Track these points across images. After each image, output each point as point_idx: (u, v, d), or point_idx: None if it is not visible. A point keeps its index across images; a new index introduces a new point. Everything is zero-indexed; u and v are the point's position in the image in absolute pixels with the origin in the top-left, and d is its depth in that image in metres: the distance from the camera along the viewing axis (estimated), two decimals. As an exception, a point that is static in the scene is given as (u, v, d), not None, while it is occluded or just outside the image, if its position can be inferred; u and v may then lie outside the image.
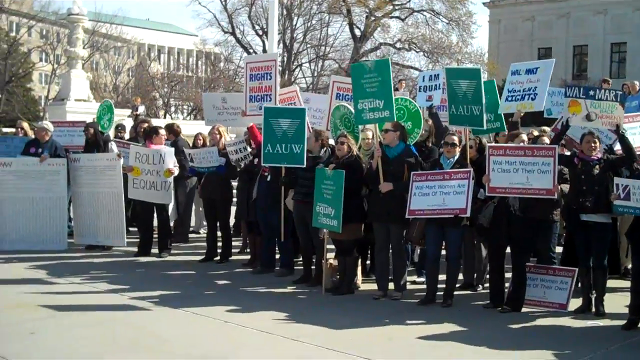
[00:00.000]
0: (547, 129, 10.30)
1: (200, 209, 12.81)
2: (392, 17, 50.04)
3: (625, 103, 8.60)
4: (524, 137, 8.68)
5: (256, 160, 10.31)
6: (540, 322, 7.95)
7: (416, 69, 46.05)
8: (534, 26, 52.52)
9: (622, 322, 7.69)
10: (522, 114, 9.44)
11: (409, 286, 9.31)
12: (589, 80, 41.78)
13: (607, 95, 8.44)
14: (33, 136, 12.79)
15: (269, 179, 10.04)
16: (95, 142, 12.28)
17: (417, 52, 48.27)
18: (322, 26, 50.22)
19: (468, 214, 8.29)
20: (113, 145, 12.18)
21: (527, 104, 8.96)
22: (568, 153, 9.05)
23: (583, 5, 49.84)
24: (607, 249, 8.20)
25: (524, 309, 8.31)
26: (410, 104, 10.00)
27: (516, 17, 53.01)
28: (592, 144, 8.20)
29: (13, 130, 17.02)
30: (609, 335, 7.39)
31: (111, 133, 13.59)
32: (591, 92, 8.53)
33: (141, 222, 11.68)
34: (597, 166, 8.14)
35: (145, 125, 12.62)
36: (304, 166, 9.55)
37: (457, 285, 8.96)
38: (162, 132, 11.60)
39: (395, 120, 9.10)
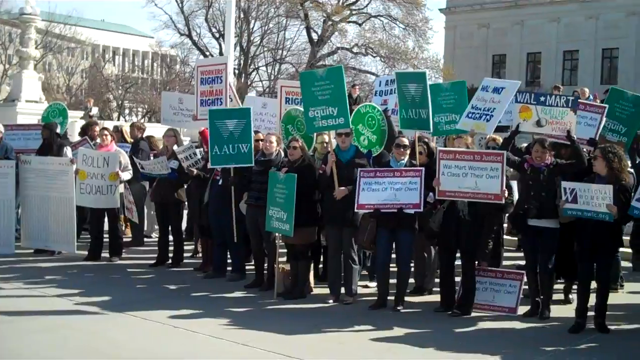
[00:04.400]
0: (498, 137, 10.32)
1: (152, 212, 12.68)
2: (349, 22, 50.16)
3: (577, 109, 8.69)
4: (468, 140, 8.79)
5: (208, 164, 10.25)
6: (488, 325, 8.05)
7: (373, 73, 46.27)
8: (488, 33, 53.14)
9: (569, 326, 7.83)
10: (474, 134, 9.46)
11: (361, 291, 9.35)
12: (541, 87, 42.39)
13: (558, 101, 8.56)
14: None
15: (220, 182, 9.98)
16: (50, 145, 12.01)
17: (373, 57, 48.52)
18: (280, 30, 50.12)
19: (421, 209, 8.34)
20: (68, 150, 11.93)
21: (482, 125, 8.93)
22: None
23: (537, 13, 50.58)
24: (554, 253, 8.31)
25: (474, 313, 8.40)
26: (382, 120, 9.98)
27: (472, 24, 53.57)
28: (542, 153, 8.31)
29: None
30: (556, 339, 7.50)
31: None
32: (542, 98, 8.63)
33: (91, 225, 11.52)
34: (545, 172, 8.27)
35: (96, 127, 12.46)
36: (252, 165, 9.57)
37: (408, 290, 9.02)
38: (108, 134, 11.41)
39: (350, 126, 9.15)
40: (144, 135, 12.92)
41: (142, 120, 45.58)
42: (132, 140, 12.73)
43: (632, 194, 7.66)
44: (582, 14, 48.84)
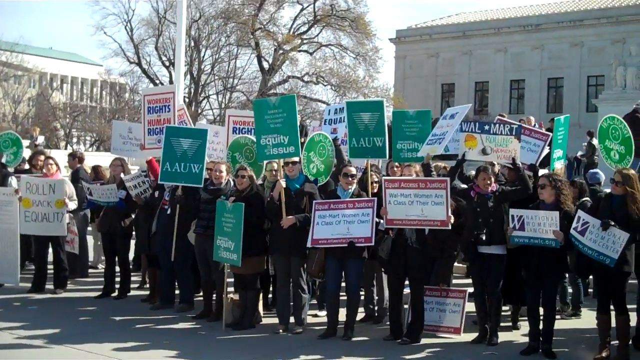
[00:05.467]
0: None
1: (99, 242, 12.45)
2: (300, 51, 50.54)
3: (521, 136, 8.84)
4: (417, 168, 8.88)
5: (157, 193, 10.14)
6: (437, 352, 8.06)
7: (324, 102, 46.48)
8: (437, 62, 53.95)
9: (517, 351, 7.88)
10: (431, 157, 9.54)
11: (311, 320, 9.30)
12: (489, 116, 43.11)
13: (502, 129, 8.70)
14: None
15: (169, 212, 9.87)
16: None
17: (324, 85, 48.84)
18: (230, 58, 50.18)
19: (372, 243, 8.36)
20: (13, 180, 11.67)
21: (435, 148, 9.09)
22: None
23: (484, 44, 51.58)
24: (501, 279, 8.38)
25: (423, 340, 8.39)
26: (332, 151, 9.94)
27: (421, 54, 54.32)
28: (487, 180, 8.42)
29: None
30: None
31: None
32: (486, 127, 8.77)
33: (35, 257, 11.25)
34: (491, 199, 8.37)
35: (42, 157, 12.24)
36: (202, 186, 9.54)
37: (359, 318, 8.99)
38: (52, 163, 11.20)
39: (300, 155, 9.17)
40: (92, 165, 12.75)
41: (89, 149, 45.01)
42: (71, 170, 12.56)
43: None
44: (527, 44, 49.97)
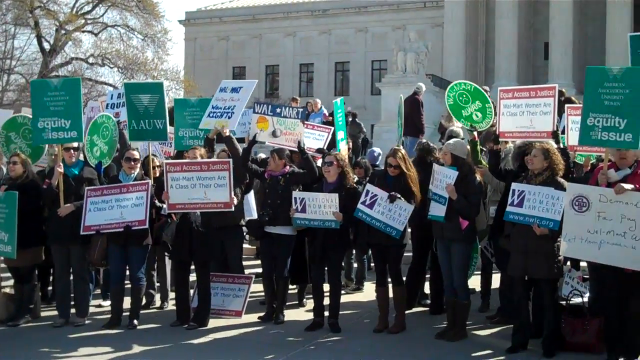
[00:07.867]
0: None
1: None
2: (84, 32, 48.33)
3: (305, 120, 9.11)
4: (201, 151, 8.79)
5: None
6: (224, 334, 8.07)
7: (111, 85, 44.84)
8: (228, 45, 53.98)
9: (303, 327, 8.12)
10: (218, 131, 9.45)
11: (95, 310, 9.01)
12: (280, 99, 43.81)
13: (290, 113, 8.94)
14: None
15: None
16: None
17: (111, 67, 47.08)
18: (7, 38, 46.91)
19: (147, 226, 8.20)
20: None
21: (224, 122, 9.07)
22: None
23: (274, 27, 52.31)
24: (288, 259, 8.53)
25: (211, 323, 8.36)
26: (115, 131, 9.52)
27: (211, 36, 54.08)
28: (276, 164, 8.55)
29: None
30: (291, 342, 7.71)
31: None
32: (278, 110, 9.01)
33: None
34: (281, 180, 8.48)
35: None
36: None
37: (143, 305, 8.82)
38: None
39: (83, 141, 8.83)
40: None
41: None
42: None
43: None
44: (315, 29, 51.30)
